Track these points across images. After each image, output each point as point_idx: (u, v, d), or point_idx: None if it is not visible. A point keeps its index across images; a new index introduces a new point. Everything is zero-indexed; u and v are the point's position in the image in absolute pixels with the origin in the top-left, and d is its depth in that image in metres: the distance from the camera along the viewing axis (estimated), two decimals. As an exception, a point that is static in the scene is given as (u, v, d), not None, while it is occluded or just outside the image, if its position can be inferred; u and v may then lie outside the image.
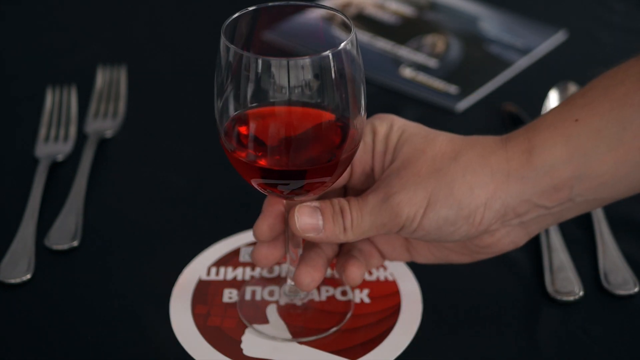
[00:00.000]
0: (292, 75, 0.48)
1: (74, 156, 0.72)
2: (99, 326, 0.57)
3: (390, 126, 0.54)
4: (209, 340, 0.56)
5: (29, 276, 0.60)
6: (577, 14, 0.93)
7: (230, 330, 0.56)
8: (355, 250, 0.56)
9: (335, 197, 0.53)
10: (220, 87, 0.50)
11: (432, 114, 0.78)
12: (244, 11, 0.52)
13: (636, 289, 0.60)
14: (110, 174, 0.71)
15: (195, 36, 0.91)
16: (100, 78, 0.81)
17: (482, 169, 0.51)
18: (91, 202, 0.67)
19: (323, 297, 0.59)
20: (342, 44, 0.50)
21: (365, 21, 0.91)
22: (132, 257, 0.63)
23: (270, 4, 0.53)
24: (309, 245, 0.56)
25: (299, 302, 0.58)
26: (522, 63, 0.85)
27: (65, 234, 0.64)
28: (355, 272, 0.55)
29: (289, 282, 0.57)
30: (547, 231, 0.64)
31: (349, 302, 0.59)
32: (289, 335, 0.56)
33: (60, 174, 0.70)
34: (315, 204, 0.52)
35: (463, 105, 0.80)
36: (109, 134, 0.75)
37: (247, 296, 0.59)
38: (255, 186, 0.52)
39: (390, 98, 0.80)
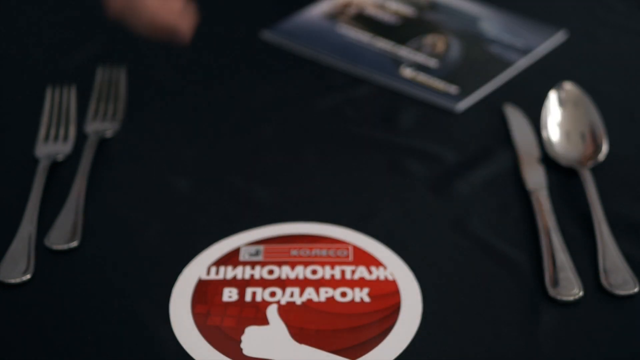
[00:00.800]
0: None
1: (74, 156, 0.72)
2: (99, 326, 0.58)
3: None
4: (209, 340, 0.56)
5: (28, 276, 0.61)
6: (577, 14, 0.93)
7: (230, 330, 0.57)
8: None
9: None
10: None
11: (432, 114, 0.78)
12: None
13: (636, 289, 0.60)
14: (110, 174, 0.71)
15: (195, 36, 0.90)
16: (100, 78, 0.81)
17: None
18: (91, 202, 0.67)
19: (322, 298, 0.59)
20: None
21: (365, 21, 0.91)
22: (132, 257, 0.63)
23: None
24: None
25: (298, 302, 0.58)
26: (522, 63, 0.85)
27: (65, 233, 0.64)
28: None
29: None
30: (547, 231, 0.64)
31: (348, 302, 0.59)
32: (288, 336, 0.56)
33: (60, 174, 0.70)
34: None
35: (463, 105, 0.80)
36: (108, 134, 0.75)
37: (248, 297, 0.59)
38: None
39: (390, 98, 0.80)
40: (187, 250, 0.63)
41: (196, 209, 0.67)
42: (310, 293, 0.59)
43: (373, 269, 0.62)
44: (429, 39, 0.88)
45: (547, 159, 0.72)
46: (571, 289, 0.59)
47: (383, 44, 0.88)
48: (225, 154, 0.73)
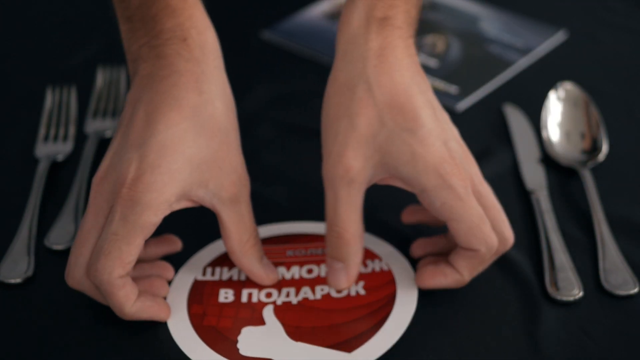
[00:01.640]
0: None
1: (74, 156, 0.72)
2: (98, 326, 0.57)
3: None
4: (205, 340, 0.56)
5: (29, 276, 0.61)
6: (577, 14, 0.93)
7: (226, 330, 0.56)
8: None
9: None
10: None
11: (432, 114, 0.78)
12: None
13: (636, 289, 0.60)
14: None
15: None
16: (100, 78, 0.81)
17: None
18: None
19: (318, 296, 0.59)
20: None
21: (365, 21, 0.90)
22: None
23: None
24: None
25: (294, 302, 0.58)
26: (522, 63, 0.85)
27: (65, 234, 0.64)
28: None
29: None
30: (546, 231, 0.64)
31: (344, 297, 0.58)
32: (284, 335, 0.56)
33: (60, 174, 0.70)
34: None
35: (463, 105, 0.80)
36: (109, 133, 0.75)
37: (244, 298, 0.59)
38: None
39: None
40: (183, 251, 0.63)
41: (192, 210, 0.67)
42: (306, 292, 0.59)
43: (368, 262, 0.61)
44: (429, 39, 0.88)
45: (547, 159, 0.72)
46: (571, 289, 0.59)
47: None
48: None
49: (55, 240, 0.63)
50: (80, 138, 0.74)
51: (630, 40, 0.89)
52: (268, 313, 0.57)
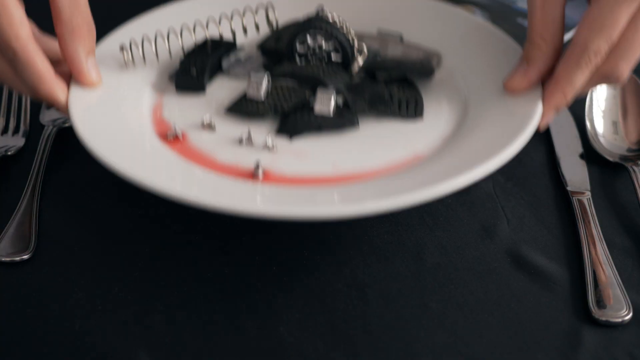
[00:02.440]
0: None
1: (28, 150, 0.73)
2: (53, 346, 0.58)
3: None
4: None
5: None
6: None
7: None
8: None
9: None
10: None
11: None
12: None
13: (696, 309, 0.60)
14: (70, 170, 0.71)
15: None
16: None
17: None
18: (48, 202, 0.68)
19: None
20: None
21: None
22: (95, 265, 0.63)
23: None
24: None
25: None
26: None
27: (16, 243, 0.64)
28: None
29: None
30: (589, 239, 0.64)
31: None
32: None
33: (11, 171, 0.71)
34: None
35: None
36: (67, 123, 0.75)
37: None
38: None
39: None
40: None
41: (162, 205, 0.67)
42: None
43: None
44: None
45: (591, 154, 0.72)
46: (619, 309, 0.59)
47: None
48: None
49: (5, 251, 0.63)
50: (35, 129, 0.75)
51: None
52: None
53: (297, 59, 0.71)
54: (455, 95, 0.70)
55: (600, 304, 0.60)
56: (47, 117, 0.75)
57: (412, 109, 0.68)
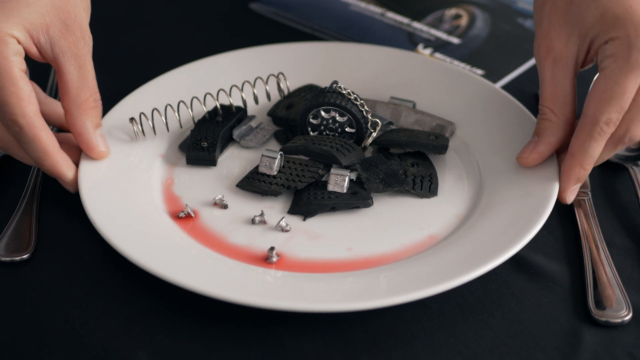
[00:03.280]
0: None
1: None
2: (50, 347, 0.58)
3: None
4: None
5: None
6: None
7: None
8: None
9: None
10: None
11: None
12: None
13: (696, 309, 0.60)
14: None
15: (169, 10, 0.91)
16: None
17: None
18: (48, 202, 0.68)
19: None
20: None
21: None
22: (95, 265, 0.63)
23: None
24: None
25: None
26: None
27: (16, 243, 0.64)
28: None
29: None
30: (589, 240, 0.64)
31: None
32: None
33: (11, 171, 0.71)
34: None
35: (490, 90, 0.80)
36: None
37: None
38: None
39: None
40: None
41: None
42: None
43: None
44: (450, 11, 0.88)
45: (591, 155, 0.72)
46: (618, 309, 0.59)
47: (396, 19, 0.87)
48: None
49: (7, 250, 0.63)
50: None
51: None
52: None
53: (310, 132, 0.70)
54: (470, 168, 0.69)
55: (600, 304, 0.60)
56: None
57: (426, 188, 0.67)
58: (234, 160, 0.70)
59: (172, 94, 0.73)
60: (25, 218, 0.66)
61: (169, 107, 0.71)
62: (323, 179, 0.67)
